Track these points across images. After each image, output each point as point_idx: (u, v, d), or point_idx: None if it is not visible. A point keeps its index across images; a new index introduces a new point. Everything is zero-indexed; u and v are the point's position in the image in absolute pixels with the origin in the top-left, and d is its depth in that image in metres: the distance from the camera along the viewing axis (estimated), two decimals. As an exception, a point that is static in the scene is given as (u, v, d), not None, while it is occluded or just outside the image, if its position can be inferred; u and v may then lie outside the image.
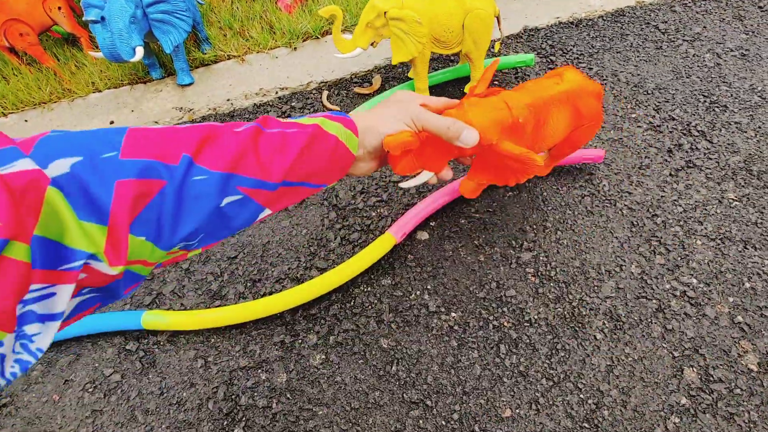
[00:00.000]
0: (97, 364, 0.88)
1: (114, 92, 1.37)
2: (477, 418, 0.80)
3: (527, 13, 1.61)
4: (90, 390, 0.85)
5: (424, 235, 1.05)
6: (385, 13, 1.09)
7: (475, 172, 0.82)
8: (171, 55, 1.36)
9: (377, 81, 1.39)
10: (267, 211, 0.42)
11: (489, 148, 0.70)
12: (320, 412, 0.81)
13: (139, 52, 1.21)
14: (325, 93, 1.38)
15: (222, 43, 1.48)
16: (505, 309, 0.93)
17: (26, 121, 1.31)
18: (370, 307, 0.94)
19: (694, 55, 1.45)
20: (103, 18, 1.14)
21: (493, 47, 1.21)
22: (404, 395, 0.83)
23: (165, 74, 1.43)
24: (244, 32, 1.54)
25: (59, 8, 1.37)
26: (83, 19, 1.16)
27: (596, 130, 0.85)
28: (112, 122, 1.31)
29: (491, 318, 0.92)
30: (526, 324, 0.91)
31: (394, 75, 1.43)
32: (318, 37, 1.52)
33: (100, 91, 1.36)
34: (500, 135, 0.69)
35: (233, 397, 0.84)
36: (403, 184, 0.84)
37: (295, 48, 1.49)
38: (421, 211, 1.02)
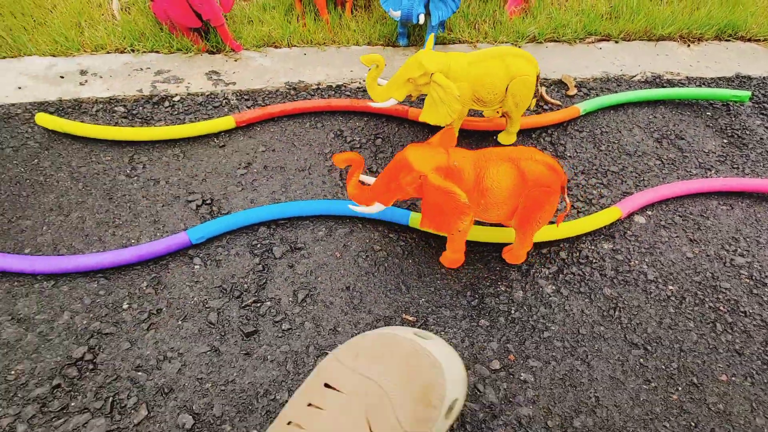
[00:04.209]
0: (367, 240, 1.09)
1: (371, 48, 1.66)
2: (694, 373, 0.90)
3: (740, 62, 1.69)
4: (363, 257, 1.06)
5: (641, 220, 1.17)
6: (432, 74, 1.07)
7: (424, 214, 0.93)
8: (425, 27, 1.62)
9: (571, 82, 1.55)
10: None
11: (425, 184, 0.86)
12: (553, 328, 0.96)
13: (422, 18, 1.46)
14: (543, 89, 1.55)
15: (457, 29, 1.72)
16: (719, 296, 1.02)
17: (305, 54, 1.62)
18: (594, 261, 1.07)
19: None
20: None
21: (529, 106, 1.21)
22: (626, 336, 0.95)
23: (409, 44, 1.69)
24: (475, 25, 1.77)
25: None
26: None
27: (549, 202, 0.88)
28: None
29: (707, 300, 1.02)
30: (741, 314, 0.99)
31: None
32: (541, 42, 1.71)
33: (359, 45, 1.65)
34: (434, 172, 0.85)
35: (478, 296, 1.00)
36: (355, 207, 1.00)
37: (519, 46, 1.70)
38: (651, 196, 1.16)
